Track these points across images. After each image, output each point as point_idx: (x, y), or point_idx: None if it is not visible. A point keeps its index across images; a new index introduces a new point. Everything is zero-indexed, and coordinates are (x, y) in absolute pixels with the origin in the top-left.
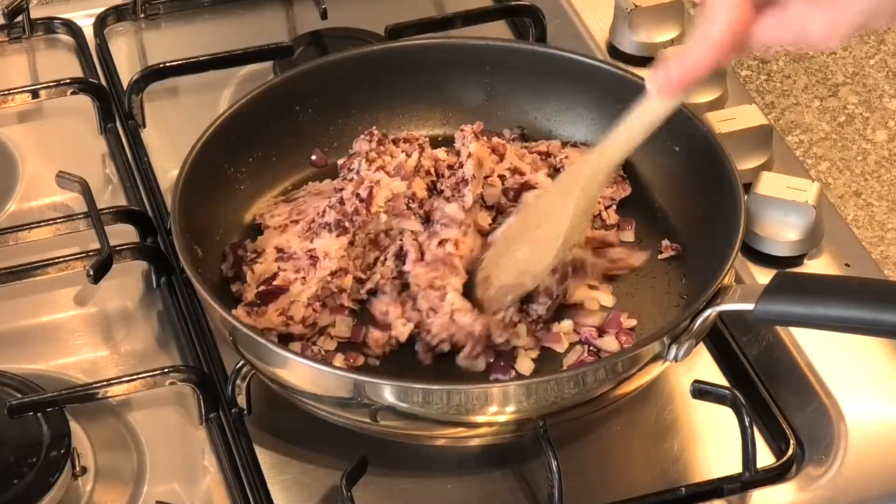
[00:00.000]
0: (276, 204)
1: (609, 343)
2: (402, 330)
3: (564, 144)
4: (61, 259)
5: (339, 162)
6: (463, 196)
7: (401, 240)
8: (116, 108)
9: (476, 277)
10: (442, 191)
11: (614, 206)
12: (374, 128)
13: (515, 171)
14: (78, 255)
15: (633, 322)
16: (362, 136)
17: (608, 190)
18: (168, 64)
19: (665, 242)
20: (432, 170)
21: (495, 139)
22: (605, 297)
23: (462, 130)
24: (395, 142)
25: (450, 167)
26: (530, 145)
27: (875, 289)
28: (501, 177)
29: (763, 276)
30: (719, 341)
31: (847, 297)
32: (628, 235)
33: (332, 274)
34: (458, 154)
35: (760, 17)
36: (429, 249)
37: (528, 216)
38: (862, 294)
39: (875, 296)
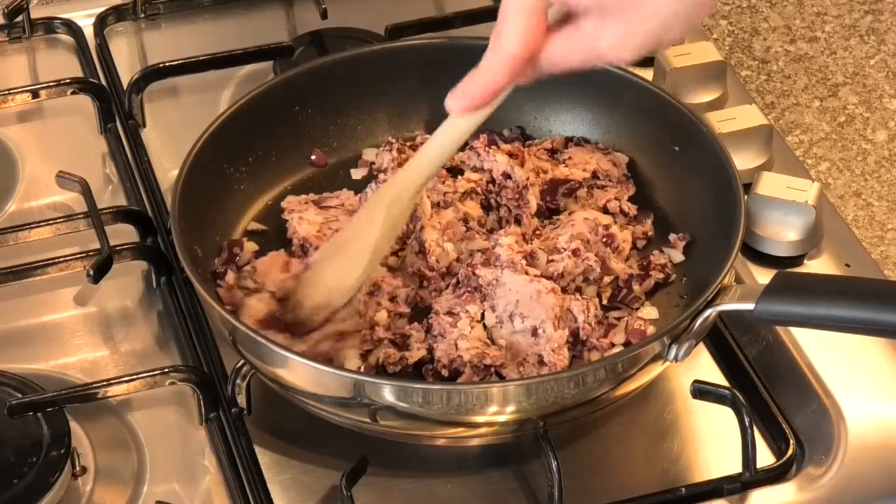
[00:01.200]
0: (306, 203)
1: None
2: (414, 353)
3: (568, 140)
4: (61, 259)
5: (362, 178)
6: (527, 202)
7: (469, 266)
8: (116, 108)
9: (290, 301)
10: (500, 205)
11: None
12: (391, 138)
13: (539, 171)
14: (78, 255)
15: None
16: (382, 148)
17: (613, 190)
18: (168, 64)
19: (673, 236)
20: (479, 189)
21: (505, 145)
22: (650, 310)
23: (473, 148)
24: (415, 148)
25: (491, 182)
26: (535, 143)
27: (875, 289)
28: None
29: (763, 276)
30: (719, 341)
31: (847, 297)
32: (648, 227)
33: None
34: (482, 170)
35: (554, 35)
36: (460, 273)
37: (338, 237)
38: (862, 294)
39: (875, 296)
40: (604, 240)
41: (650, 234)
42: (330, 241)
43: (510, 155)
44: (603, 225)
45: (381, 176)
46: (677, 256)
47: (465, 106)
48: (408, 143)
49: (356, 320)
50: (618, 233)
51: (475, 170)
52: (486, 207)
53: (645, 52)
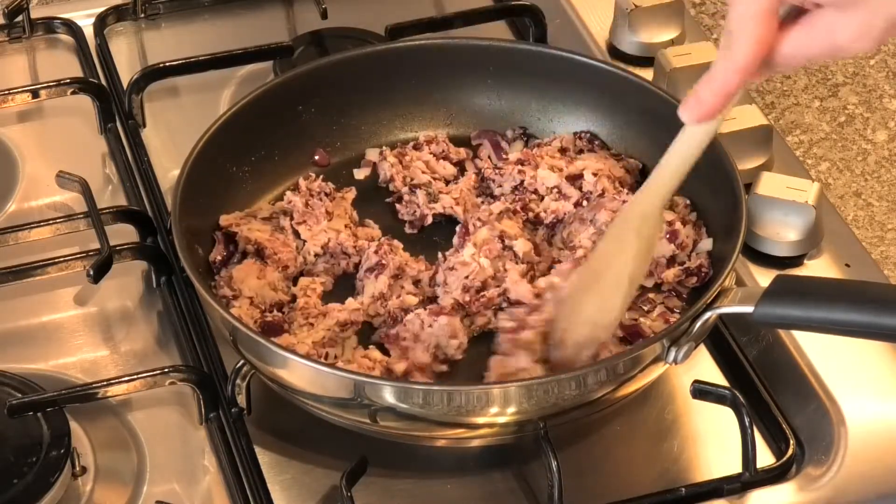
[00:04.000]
0: (244, 218)
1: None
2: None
3: (576, 137)
4: (61, 259)
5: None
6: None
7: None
8: (116, 107)
9: (551, 339)
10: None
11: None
12: (386, 147)
13: (555, 169)
14: (78, 255)
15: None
16: (380, 158)
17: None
18: (168, 64)
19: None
20: (518, 207)
21: (515, 153)
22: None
23: (500, 170)
24: (417, 147)
25: (535, 196)
26: (542, 143)
27: (875, 292)
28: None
29: (763, 276)
30: (719, 342)
31: (847, 300)
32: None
33: (342, 325)
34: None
35: (787, 31)
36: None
37: (589, 267)
38: (861, 297)
39: (875, 299)
40: (667, 236)
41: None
42: (579, 272)
43: (520, 162)
44: (666, 221)
45: (391, 186)
46: (706, 245)
47: (699, 115)
48: (409, 145)
49: (357, 309)
50: (681, 229)
51: (514, 191)
52: (533, 222)
53: (884, 41)
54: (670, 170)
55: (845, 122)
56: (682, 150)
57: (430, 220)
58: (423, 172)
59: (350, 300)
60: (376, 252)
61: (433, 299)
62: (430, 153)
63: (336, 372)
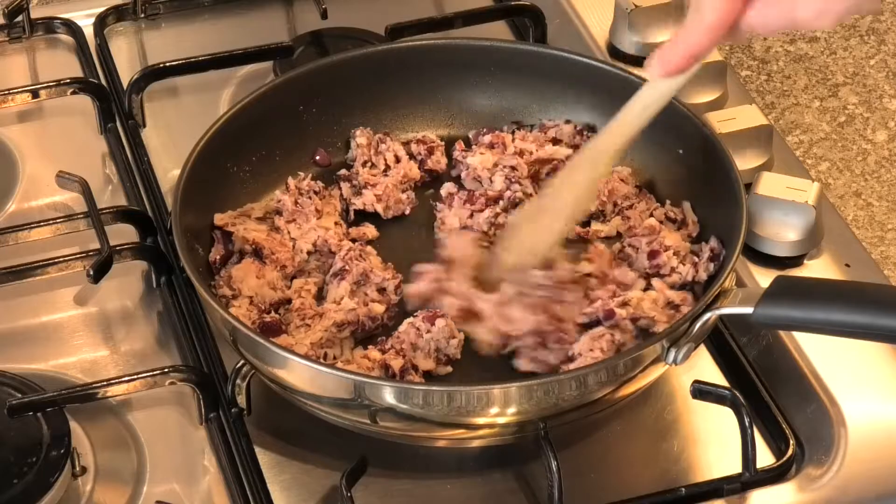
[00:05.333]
0: (238, 216)
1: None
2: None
3: (575, 129)
4: (61, 259)
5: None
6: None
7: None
8: (116, 107)
9: (488, 260)
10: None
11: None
12: (366, 128)
13: (524, 152)
14: (78, 255)
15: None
16: (351, 138)
17: (650, 202)
18: (168, 64)
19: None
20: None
21: (486, 137)
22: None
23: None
24: (407, 143)
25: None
26: (546, 126)
27: (874, 294)
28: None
29: (763, 275)
30: (719, 342)
31: (846, 301)
32: (692, 228)
33: (339, 325)
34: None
35: (753, 1)
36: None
37: (537, 200)
38: (861, 299)
39: (874, 301)
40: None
41: (693, 234)
42: (531, 202)
43: (491, 146)
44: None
45: (348, 172)
46: (687, 207)
47: (665, 71)
48: (390, 136)
49: (353, 309)
50: (667, 236)
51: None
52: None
53: (844, 20)
54: (629, 119)
55: (845, 122)
56: (645, 101)
57: (352, 215)
58: (387, 165)
59: (345, 300)
60: (343, 258)
61: (396, 305)
62: (408, 152)
63: (336, 372)
